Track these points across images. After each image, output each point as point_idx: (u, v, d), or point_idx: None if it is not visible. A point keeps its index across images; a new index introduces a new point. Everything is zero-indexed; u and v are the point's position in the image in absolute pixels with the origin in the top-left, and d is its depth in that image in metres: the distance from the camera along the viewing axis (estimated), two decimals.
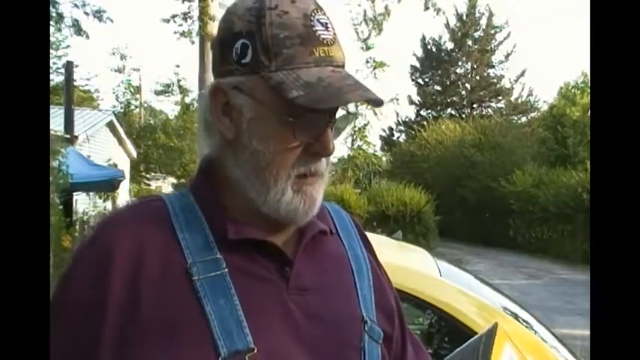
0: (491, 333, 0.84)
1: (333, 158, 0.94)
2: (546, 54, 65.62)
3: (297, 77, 0.79)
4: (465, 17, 31.89)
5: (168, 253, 0.81)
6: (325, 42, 0.82)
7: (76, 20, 11.46)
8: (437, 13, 11.55)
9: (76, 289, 0.82)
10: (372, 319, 0.91)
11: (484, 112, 31.67)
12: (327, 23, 0.83)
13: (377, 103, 0.85)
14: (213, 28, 10.48)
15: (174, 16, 10.85)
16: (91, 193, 12.92)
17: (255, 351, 0.78)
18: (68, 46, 22.24)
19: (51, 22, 10.28)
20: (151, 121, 30.01)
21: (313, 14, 0.82)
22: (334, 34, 0.84)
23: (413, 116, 33.64)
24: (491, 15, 31.56)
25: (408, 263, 2.32)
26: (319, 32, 0.81)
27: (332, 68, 0.82)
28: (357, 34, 11.57)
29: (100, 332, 0.77)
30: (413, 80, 33.83)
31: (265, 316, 0.81)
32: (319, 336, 0.84)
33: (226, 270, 0.81)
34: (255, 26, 0.81)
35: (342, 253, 0.96)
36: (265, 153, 0.83)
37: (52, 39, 15.55)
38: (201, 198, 0.88)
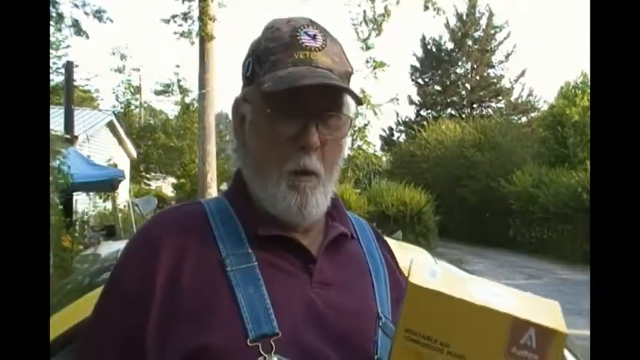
0: (410, 266, 0.84)
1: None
2: (546, 54, 65.62)
3: (274, 75, 0.89)
4: (465, 17, 31.88)
5: (206, 246, 0.91)
6: (307, 47, 0.91)
7: (76, 20, 11.47)
8: (437, 13, 11.54)
9: (128, 275, 0.91)
10: (387, 316, 0.97)
11: (484, 112, 31.66)
12: (315, 35, 0.92)
13: (334, 87, 0.90)
14: (213, 29, 10.47)
15: (174, 17, 10.82)
16: (91, 193, 12.92)
17: (280, 335, 0.84)
18: (68, 46, 22.21)
19: (51, 22, 10.27)
20: (151, 121, 30.03)
21: (302, 28, 0.92)
22: (323, 44, 0.92)
23: (413, 116, 33.66)
24: (491, 15, 31.58)
25: (408, 263, 2.31)
26: (303, 40, 0.91)
27: (308, 67, 0.90)
28: (357, 34, 11.55)
29: (148, 311, 0.86)
30: (413, 80, 33.86)
31: (290, 305, 0.88)
32: (338, 325, 0.90)
33: (256, 263, 0.90)
34: (256, 45, 0.95)
35: (361, 256, 1.03)
36: (259, 150, 0.93)
37: (52, 39, 15.54)
38: (234, 201, 0.98)
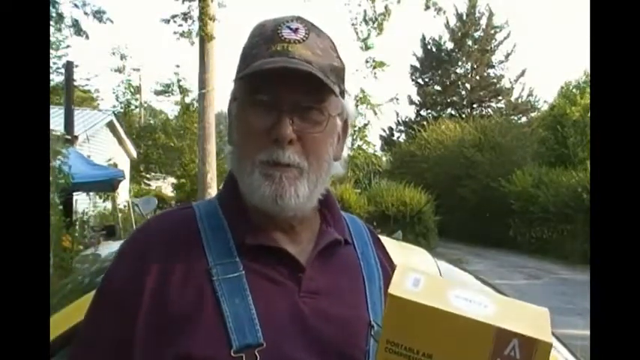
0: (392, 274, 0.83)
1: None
2: (546, 54, 65.58)
3: (250, 66, 0.89)
4: (465, 17, 31.87)
5: (193, 254, 0.90)
6: (286, 40, 0.90)
7: (76, 20, 11.43)
8: (437, 13, 11.53)
9: (118, 279, 0.92)
10: (380, 324, 0.94)
11: (484, 112, 31.66)
12: (297, 28, 0.92)
13: (300, 72, 0.87)
14: (213, 29, 10.47)
15: (174, 17, 10.81)
16: (91, 193, 12.91)
17: (264, 346, 0.83)
18: (68, 46, 22.18)
19: (51, 22, 10.27)
20: (151, 121, 30.02)
21: (285, 23, 0.92)
22: (305, 37, 0.91)
23: (413, 116, 33.67)
24: (491, 15, 31.57)
25: (408, 263, 2.31)
26: (283, 33, 0.91)
27: (284, 58, 0.88)
28: (357, 34, 11.54)
29: (136, 315, 0.86)
30: (413, 80, 33.86)
31: (276, 315, 0.87)
32: (327, 336, 0.88)
33: (243, 272, 0.89)
34: (244, 45, 0.95)
35: (355, 262, 1.01)
36: (240, 143, 0.94)
37: (52, 39, 15.52)
38: (225, 205, 0.97)
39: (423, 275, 0.82)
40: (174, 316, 0.85)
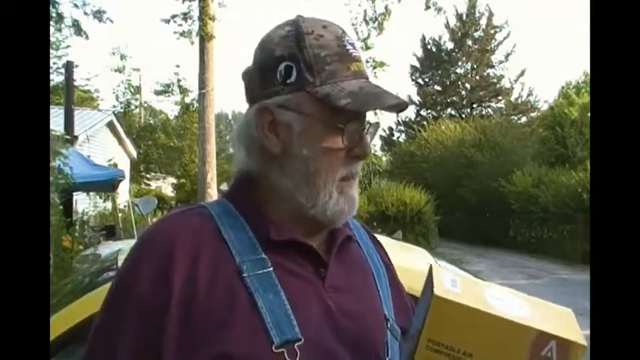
0: (429, 274, 0.85)
1: None
2: (546, 54, 65.54)
3: (341, 88, 0.90)
4: (465, 17, 31.88)
5: (219, 253, 0.89)
6: (356, 58, 0.94)
7: (76, 20, 11.41)
8: (437, 13, 11.54)
9: (142, 286, 0.87)
10: (392, 317, 0.99)
11: (484, 112, 31.68)
12: (353, 43, 0.95)
13: (404, 106, 0.95)
14: (213, 28, 10.47)
15: (174, 17, 10.81)
16: (91, 193, 12.91)
17: (302, 341, 0.84)
18: (68, 46, 22.14)
19: (51, 22, 10.27)
20: (151, 121, 30.05)
21: (342, 36, 0.94)
22: (359, 52, 0.96)
23: (413, 116, 33.68)
24: (491, 15, 31.57)
25: (408, 263, 2.31)
26: (351, 50, 0.94)
27: (365, 80, 0.94)
28: (357, 34, 11.55)
29: (166, 323, 0.84)
30: (413, 80, 33.86)
31: (308, 310, 0.89)
32: (352, 330, 0.91)
33: (272, 269, 0.89)
34: (297, 49, 0.92)
35: (363, 258, 1.04)
36: (315, 159, 0.92)
37: (52, 39, 15.51)
38: (240, 204, 0.96)
39: (456, 276, 0.85)
40: (209, 317, 0.84)
